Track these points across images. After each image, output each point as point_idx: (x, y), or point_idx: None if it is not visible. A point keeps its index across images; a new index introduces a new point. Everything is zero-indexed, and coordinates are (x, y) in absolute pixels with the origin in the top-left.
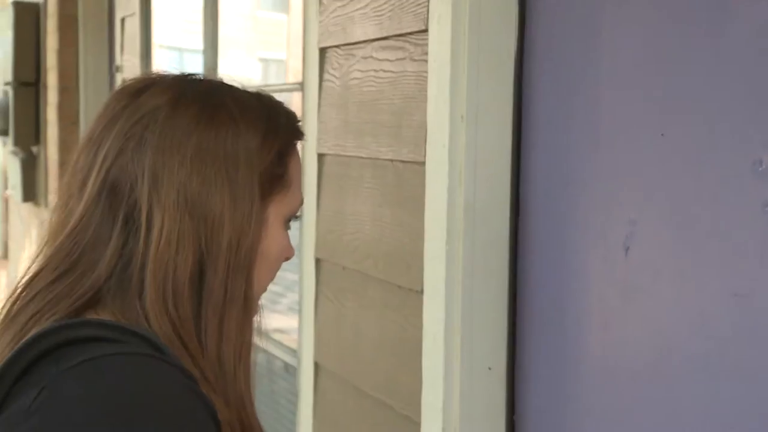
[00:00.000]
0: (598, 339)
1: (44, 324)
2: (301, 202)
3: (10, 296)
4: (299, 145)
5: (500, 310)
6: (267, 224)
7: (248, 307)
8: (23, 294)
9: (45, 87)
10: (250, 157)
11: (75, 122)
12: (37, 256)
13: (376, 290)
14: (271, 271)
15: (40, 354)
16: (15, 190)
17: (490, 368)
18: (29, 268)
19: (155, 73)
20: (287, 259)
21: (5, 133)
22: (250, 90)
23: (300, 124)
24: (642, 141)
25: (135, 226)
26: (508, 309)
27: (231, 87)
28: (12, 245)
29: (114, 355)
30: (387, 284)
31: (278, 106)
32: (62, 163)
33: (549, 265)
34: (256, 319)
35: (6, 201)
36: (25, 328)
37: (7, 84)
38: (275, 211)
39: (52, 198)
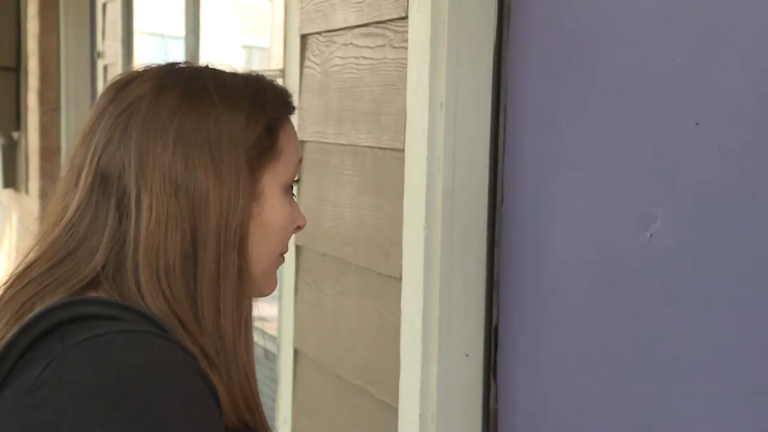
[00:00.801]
0: (575, 327)
1: (45, 304)
2: (299, 161)
3: (4, 284)
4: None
5: (478, 297)
6: (263, 196)
7: (243, 281)
8: (17, 281)
9: (26, 72)
10: (233, 135)
11: (56, 108)
12: (33, 248)
13: (355, 277)
14: (278, 241)
15: (44, 330)
16: None
17: (467, 355)
18: (25, 258)
19: (142, 66)
20: (299, 228)
21: None
22: (238, 73)
23: (291, 99)
24: (624, 126)
25: (126, 212)
26: (486, 296)
27: (215, 71)
28: None
29: (118, 333)
30: (366, 271)
31: (265, 84)
32: (43, 149)
33: (527, 252)
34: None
35: None
36: (22, 309)
37: None
38: (270, 180)
39: (34, 186)
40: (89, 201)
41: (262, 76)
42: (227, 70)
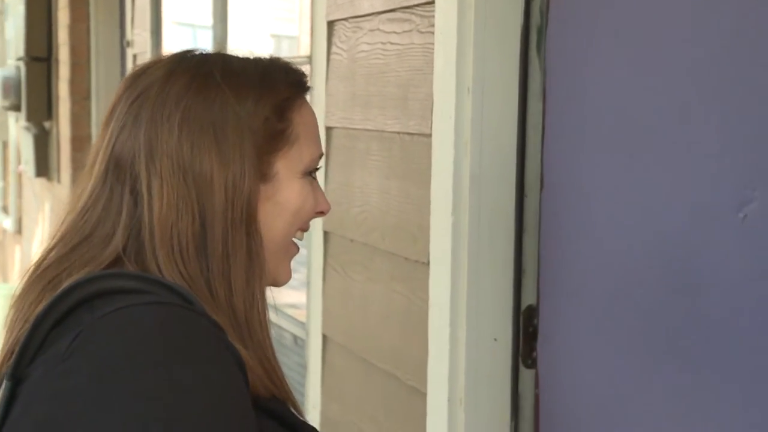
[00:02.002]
0: (602, 309)
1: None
2: (319, 155)
3: (27, 270)
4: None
5: (506, 282)
6: (277, 178)
7: (253, 259)
8: (37, 267)
9: (57, 62)
10: (238, 118)
11: (87, 97)
12: (53, 234)
13: (383, 262)
14: (292, 223)
15: (75, 303)
16: (28, 165)
17: (495, 339)
18: (47, 243)
19: (159, 55)
20: (321, 213)
21: (18, 108)
22: (250, 57)
23: (304, 78)
24: (659, 113)
25: (140, 197)
26: (513, 280)
27: (225, 56)
28: (26, 220)
29: (145, 305)
30: (394, 256)
31: (276, 65)
32: (74, 139)
33: (572, 237)
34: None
35: (19, 176)
36: (44, 292)
37: (19, 59)
38: (285, 165)
39: (65, 175)
40: (103, 187)
41: (277, 58)
42: (242, 55)
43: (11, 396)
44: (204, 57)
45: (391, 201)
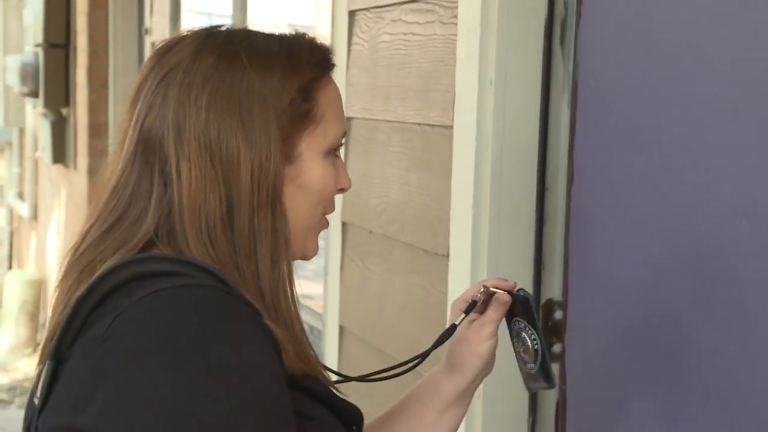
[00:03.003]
0: (632, 304)
1: (106, 265)
2: (343, 133)
3: (66, 254)
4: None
5: (526, 276)
6: (302, 159)
7: (278, 241)
8: (76, 250)
9: (75, 49)
10: (264, 99)
11: (104, 85)
12: (90, 215)
13: (401, 254)
14: (318, 202)
15: (113, 287)
16: (45, 152)
17: None
18: (83, 225)
19: (184, 32)
20: (342, 190)
21: (35, 94)
22: (275, 34)
23: (329, 55)
24: (692, 109)
25: (169, 178)
26: (534, 274)
27: (251, 34)
28: (42, 207)
29: (182, 287)
30: (413, 248)
31: (302, 44)
32: (91, 126)
33: (601, 233)
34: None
35: (36, 163)
36: (82, 275)
37: (37, 46)
38: (309, 145)
39: (82, 162)
40: (132, 167)
41: (302, 34)
42: (267, 31)
43: (53, 376)
44: (230, 35)
45: (411, 193)
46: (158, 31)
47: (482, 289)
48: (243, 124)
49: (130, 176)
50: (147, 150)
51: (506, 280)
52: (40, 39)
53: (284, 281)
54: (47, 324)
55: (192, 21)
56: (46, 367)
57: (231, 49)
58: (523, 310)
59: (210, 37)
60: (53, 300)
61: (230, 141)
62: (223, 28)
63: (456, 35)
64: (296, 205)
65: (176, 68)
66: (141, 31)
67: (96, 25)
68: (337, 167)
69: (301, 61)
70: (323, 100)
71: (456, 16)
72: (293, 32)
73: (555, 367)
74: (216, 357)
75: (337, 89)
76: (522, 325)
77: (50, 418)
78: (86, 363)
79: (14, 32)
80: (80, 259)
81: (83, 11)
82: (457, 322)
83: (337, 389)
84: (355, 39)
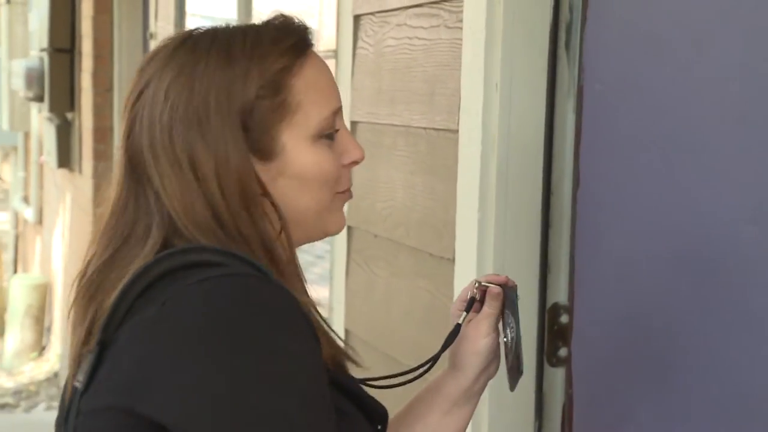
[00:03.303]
0: (639, 308)
1: (131, 277)
2: (333, 112)
3: (74, 280)
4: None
5: (532, 279)
6: (286, 151)
7: (267, 239)
8: (85, 273)
9: (80, 54)
10: (220, 103)
11: (109, 89)
12: (93, 239)
13: (407, 258)
14: (321, 186)
15: (160, 274)
16: (50, 155)
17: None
18: (87, 252)
19: (162, 41)
20: (355, 162)
21: (41, 99)
22: (241, 27)
23: (301, 36)
24: (699, 113)
25: (159, 194)
26: (539, 278)
27: (216, 35)
28: (47, 211)
29: (229, 275)
30: (418, 252)
31: (267, 33)
32: (96, 130)
33: (608, 236)
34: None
35: (41, 167)
36: (98, 291)
37: (42, 50)
38: (291, 135)
39: (87, 166)
40: (126, 189)
41: (269, 21)
42: (239, 24)
43: (98, 360)
44: (194, 43)
45: (416, 196)
46: (163, 36)
47: (476, 285)
48: (201, 132)
49: (127, 199)
50: (133, 170)
51: (498, 275)
52: (45, 44)
53: (288, 272)
54: (70, 336)
55: (193, 25)
56: (92, 352)
57: (193, 57)
58: (509, 302)
59: (179, 47)
60: (71, 319)
61: (194, 152)
62: (195, 34)
63: (461, 39)
64: (294, 196)
65: (146, 86)
66: (146, 36)
67: (101, 29)
68: (340, 144)
69: (264, 54)
70: (299, 86)
71: (461, 21)
72: (266, 19)
73: (560, 372)
74: (267, 342)
75: (319, 69)
76: (509, 319)
77: (95, 399)
78: (135, 346)
79: (19, 37)
80: (90, 282)
81: (88, 16)
82: (460, 321)
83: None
84: (360, 43)
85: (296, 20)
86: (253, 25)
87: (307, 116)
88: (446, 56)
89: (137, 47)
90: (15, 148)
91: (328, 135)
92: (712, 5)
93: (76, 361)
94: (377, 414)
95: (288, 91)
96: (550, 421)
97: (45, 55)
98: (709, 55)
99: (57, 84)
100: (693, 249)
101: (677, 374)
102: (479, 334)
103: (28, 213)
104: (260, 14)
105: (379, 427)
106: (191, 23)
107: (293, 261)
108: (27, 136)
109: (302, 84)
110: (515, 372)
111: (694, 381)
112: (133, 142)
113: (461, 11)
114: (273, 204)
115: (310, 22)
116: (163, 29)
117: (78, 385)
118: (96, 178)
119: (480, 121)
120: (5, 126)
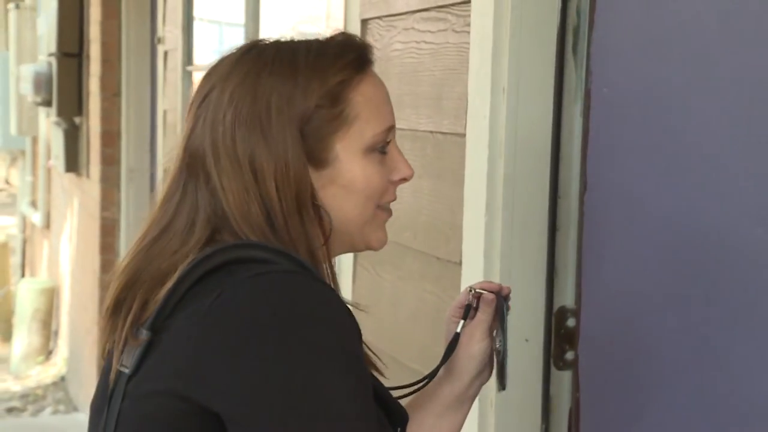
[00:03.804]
0: (647, 311)
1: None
2: (388, 129)
3: (124, 259)
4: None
5: (539, 283)
6: (338, 160)
7: (312, 243)
8: (132, 253)
9: (88, 58)
10: (282, 110)
11: (117, 94)
12: (143, 228)
13: (414, 262)
14: (366, 198)
15: (213, 267)
16: (58, 160)
17: (527, 340)
18: (137, 237)
19: (230, 49)
20: (404, 180)
21: (49, 103)
22: (304, 42)
23: (363, 53)
24: (706, 116)
25: (215, 191)
26: (546, 281)
27: (280, 48)
28: (54, 215)
29: (282, 272)
30: (425, 256)
31: (331, 47)
32: (104, 134)
33: (615, 240)
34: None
35: (49, 171)
36: (134, 276)
37: (50, 55)
38: (345, 146)
39: (95, 170)
40: (178, 182)
41: (337, 35)
42: (303, 37)
43: (148, 346)
44: (260, 52)
45: (423, 200)
46: (171, 40)
47: (471, 292)
48: (264, 137)
49: (176, 191)
50: (191, 167)
51: (492, 282)
52: (53, 48)
53: (327, 279)
54: (103, 317)
55: (200, 30)
56: (145, 337)
57: (258, 65)
58: (500, 313)
59: (244, 55)
60: (108, 298)
61: (255, 154)
62: (260, 44)
63: (468, 44)
64: (341, 204)
65: (212, 89)
66: (153, 40)
67: (109, 34)
68: (391, 160)
69: (326, 66)
70: (357, 100)
71: (468, 25)
72: (329, 35)
73: (567, 375)
74: (316, 336)
75: (377, 87)
76: (500, 326)
77: (146, 383)
78: (190, 335)
79: (28, 42)
80: (131, 265)
81: (96, 20)
82: (458, 330)
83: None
84: None
85: (357, 39)
86: (317, 40)
87: (362, 129)
88: (453, 60)
89: (145, 52)
90: (23, 153)
91: (380, 150)
92: (720, 9)
93: (120, 346)
94: (400, 417)
95: (346, 104)
96: (557, 424)
97: (53, 60)
98: (716, 58)
99: (65, 88)
100: (700, 252)
101: (684, 378)
102: (473, 340)
103: (36, 217)
104: (267, 19)
105: (399, 430)
106: (199, 28)
107: (331, 267)
108: (35, 140)
109: (360, 98)
110: (500, 382)
111: (702, 385)
112: (195, 140)
113: (468, 15)
114: (324, 210)
115: (317, 27)
116: (170, 33)
117: (125, 369)
118: (103, 182)
119: (487, 124)
120: (13, 130)
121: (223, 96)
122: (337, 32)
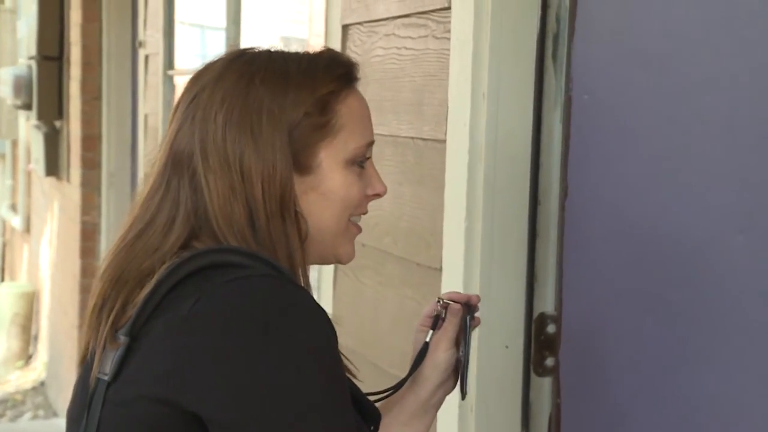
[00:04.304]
0: (629, 317)
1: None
2: (368, 144)
3: (105, 258)
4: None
5: (519, 289)
6: (321, 168)
7: (292, 245)
8: (111, 253)
9: (68, 62)
10: (273, 113)
11: (97, 97)
12: (125, 223)
13: (394, 268)
14: (342, 209)
15: (189, 272)
16: (38, 164)
17: (507, 346)
18: (120, 232)
19: (215, 57)
20: (378, 195)
21: (29, 107)
22: (295, 53)
23: (351, 69)
24: (687, 122)
25: (199, 187)
26: (526, 287)
27: (272, 56)
28: (34, 219)
29: (260, 276)
30: (406, 262)
31: (322, 59)
32: (84, 138)
33: (596, 246)
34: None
35: (29, 175)
36: (120, 275)
37: (30, 58)
38: (329, 154)
39: (75, 174)
40: (161, 179)
41: (324, 51)
42: (293, 50)
43: (127, 351)
44: (251, 59)
45: (404, 206)
46: (152, 44)
47: (439, 303)
48: (253, 138)
49: (159, 188)
50: (177, 164)
51: (460, 293)
52: (33, 51)
53: (303, 275)
54: (89, 315)
55: (182, 33)
56: (122, 343)
57: (251, 70)
58: (464, 324)
59: (234, 60)
60: (94, 297)
61: (243, 154)
62: (250, 51)
63: (449, 50)
64: (318, 211)
65: (202, 91)
66: (135, 44)
67: (90, 37)
68: (368, 175)
69: (317, 77)
70: (344, 112)
71: (449, 31)
72: (318, 49)
73: (547, 381)
74: (297, 338)
75: (361, 103)
76: (463, 335)
77: (126, 389)
78: (171, 340)
79: (7, 45)
80: (114, 263)
81: (77, 23)
82: (427, 339)
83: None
84: (348, 53)
85: (345, 56)
86: (306, 53)
87: (346, 141)
88: (434, 66)
89: (126, 55)
90: (2, 156)
91: (360, 163)
92: (700, 16)
93: (100, 349)
94: (373, 416)
95: (333, 114)
96: (537, 430)
97: (33, 63)
98: (696, 65)
99: (45, 92)
100: (681, 258)
101: (666, 383)
102: (439, 350)
103: (16, 221)
104: (248, 23)
105: (372, 428)
106: (180, 32)
107: (306, 272)
108: (15, 144)
109: (346, 111)
110: (461, 389)
111: (685, 390)
112: (182, 139)
113: (449, 22)
114: (301, 216)
115: (299, 31)
116: (151, 37)
117: (104, 377)
118: (84, 186)
119: (467, 130)
120: None
121: (214, 96)
122: (324, 48)
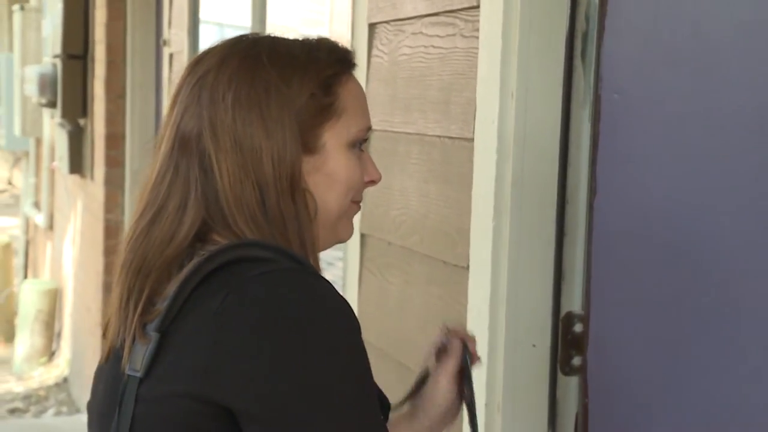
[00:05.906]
0: (658, 316)
1: (161, 259)
2: (367, 128)
3: (123, 248)
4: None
5: (546, 288)
6: (325, 149)
7: (302, 225)
8: (130, 239)
9: (93, 60)
10: (281, 93)
11: (122, 96)
12: (136, 210)
13: (421, 266)
14: (346, 190)
15: (216, 267)
16: (62, 161)
17: (534, 345)
18: (132, 218)
19: (214, 44)
20: (372, 182)
21: (53, 105)
22: (298, 38)
23: (350, 55)
24: (718, 120)
25: (209, 168)
26: (554, 286)
27: (274, 39)
28: (58, 217)
29: (286, 270)
30: (432, 260)
31: (322, 44)
32: (108, 136)
33: (625, 245)
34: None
35: (53, 172)
36: (140, 263)
37: (55, 57)
38: (332, 136)
39: (99, 172)
40: (169, 162)
41: (324, 38)
42: (291, 36)
43: (158, 347)
44: (254, 41)
45: (430, 204)
46: (176, 43)
47: (446, 332)
48: (262, 118)
49: (167, 171)
50: (184, 146)
51: (460, 329)
52: (58, 50)
53: (313, 257)
54: (116, 305)
55: (210, 33)
56: (153, 339)
57: (254, 51)
58: (465, 363)
59: (236, 44)
60: (118, 286)
61: (253, 133)
62: (250, 36)
63: (477, 48)
64: (323, 192)
65: (207, 73)
66: (159, 43)
67: (114, 35)
68: (364, 161)
69: (321, 59)
70: (345, 95)
71: (477, 30)
72: (316, 38)
73: (573, 380)
74: (327, 329)
75: (360, 87)
76: (465, 376)
77: (159, 386)
78: (203, 336)
79: (32, 43)
80: (134, 252)
81: (101, 22)
82: (430, 369)
83: None
84: (375, 51)
85: (341, 43)
86: (306, 38)
87: (348, 123)
88: (462, 65)
89: (150, 54)
90: (26, 154)
91: (359, 147)
92: (731, 14)
93: (129, 342)
94: (384, 405)
95: (336, 97)
96: (564, 429)
97: (58, 62)
98: (727, 64)
99: (69, 90)
100: (711, 258)
101: (694, 383)
102: (438, 388)
103: (39, 218)
104: (272, 23)
105: (381, 417)
106: (205, 31)
107: (316, 252)
108: (39, 141)
109: (347, 94)
110: (472, 430)
111: (712, 390)
112: (190, 120)
113: (477, 20)
114: (310, 195)
115: (319, 31)
116: (176, 36)
117: (135, 373)
118: (108, 184)
119: (495, 129)
120: (17, 132)
121: (220, 77)
122: (322, 38)
